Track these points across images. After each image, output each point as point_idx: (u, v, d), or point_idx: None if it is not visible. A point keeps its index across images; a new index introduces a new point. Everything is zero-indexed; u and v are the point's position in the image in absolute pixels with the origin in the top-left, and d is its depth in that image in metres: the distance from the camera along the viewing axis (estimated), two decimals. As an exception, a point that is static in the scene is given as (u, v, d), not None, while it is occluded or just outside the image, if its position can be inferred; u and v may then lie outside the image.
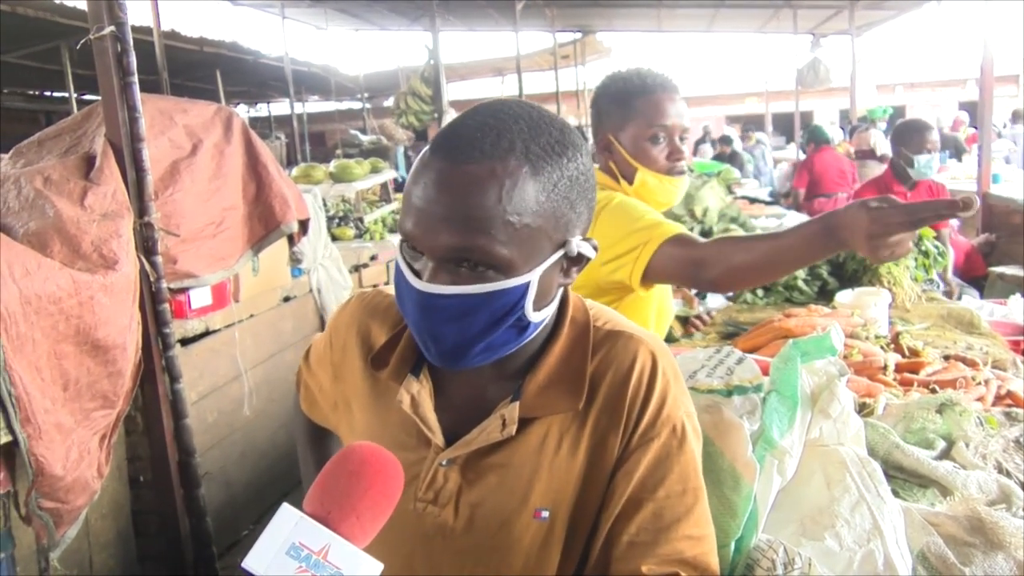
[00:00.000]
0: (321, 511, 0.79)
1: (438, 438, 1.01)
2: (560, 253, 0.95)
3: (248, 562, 0.75)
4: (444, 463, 1.01)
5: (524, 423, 0.99)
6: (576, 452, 0.99)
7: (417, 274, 0.91)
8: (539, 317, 0.97)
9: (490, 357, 0.96)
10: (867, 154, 7.76)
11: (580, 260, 0.99)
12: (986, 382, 1.86)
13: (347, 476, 0.82)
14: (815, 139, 8.11)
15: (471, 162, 0.87)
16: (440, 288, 0.89)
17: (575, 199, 0.94)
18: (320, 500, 0.80)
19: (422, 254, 0.91)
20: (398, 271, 0.95)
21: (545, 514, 0.99)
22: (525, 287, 0.92)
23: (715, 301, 3.06)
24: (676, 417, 1.00)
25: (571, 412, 0.99)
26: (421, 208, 0.89)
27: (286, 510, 0.78)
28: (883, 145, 7.76)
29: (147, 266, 2.68)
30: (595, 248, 0.99)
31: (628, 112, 1.89)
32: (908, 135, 3.97)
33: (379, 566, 0.78)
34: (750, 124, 14.57)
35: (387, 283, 4.24)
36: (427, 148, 0.93)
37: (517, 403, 0.98)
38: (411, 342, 1.05)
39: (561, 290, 1.03)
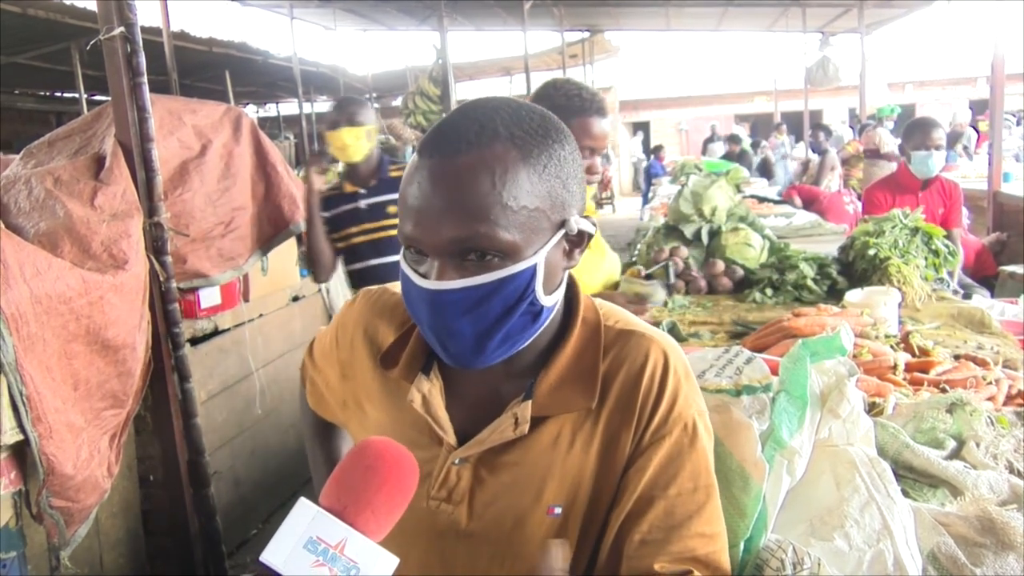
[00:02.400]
0: (338, 505, 0.79)
1: (450, 437, 1.01)
2: (561, 233, 0.95)
3: (266, 556, 0.76)
4: (457, 462, 1.01)
5: (536, 421, 0.99)
6: (589, 450, 0.99)
7: (423, 277, 0.92)
8: (551, 301, 0.97)
9: (509, 350, 0.96)
10: (875, 153, 7.74)
11: (581, 240, 0.99)
12: (997, 382, 1.85)
13: (363, 471, 0.82)
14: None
15: (459, 154, 0.88)
16: (450, 283, 0.89)
17: (567, 178, 0.95)
18: (336, 494, 0.80)
19: (425, 256, 0.92)
20: (404, 278, 0.95)
21: (558, 510, 0.99)
22: (533, 269, 0.92)
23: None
24: (687, 415, 1.00)
25: (583, 410, 0.99)
26: (418, 207, 0.89)
27: (303, 504, 0.78)
28: (889, 144, 7.73)
29: (157, 266, 2.69)
30: (594, 224, 1.00)
31: None
32: (911, 132, 3.97)
33: (395, 560, 0.79)
34: (779, 123, 14.50)
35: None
36: (415, 152, 0.93)
37: (529, 402, 0.99)
38: (421, 340, 1.05)
39: (567, 276, 1.03)
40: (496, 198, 0.88)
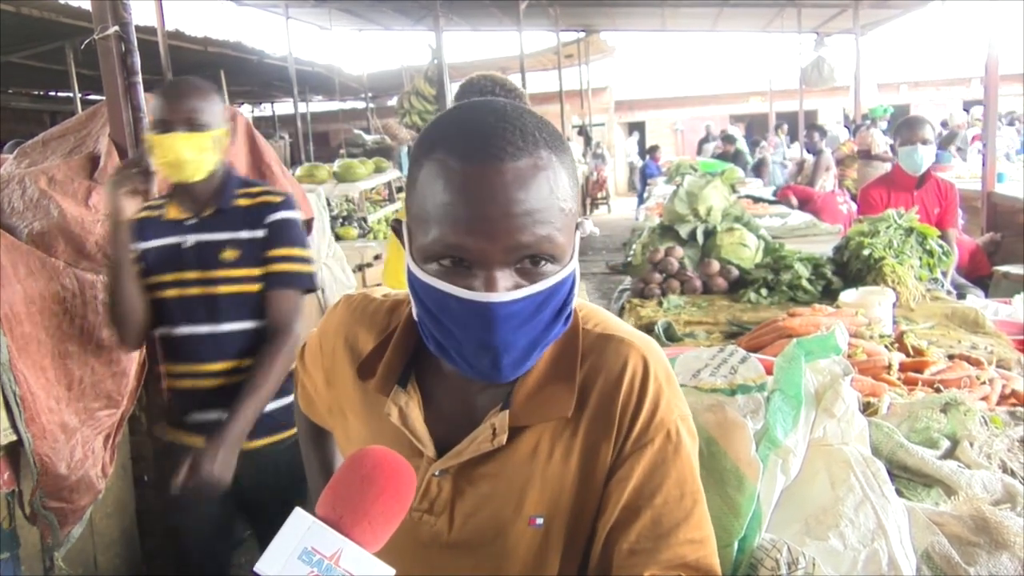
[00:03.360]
0: (333, 515, 0.78)
1: (429, 450, 1.00)
2: (578, 235, 0.96)
3: (260, 566, 0.75)
4: (437, 473, 1.00)
5: (516, 431, 0.97)
6: (569, 459, 0.98)
7: (469, 290, 0.86)
8: (575, 303, 0.97)
9: (539, 356, 0.95)
10: (869, 154, 7.76)
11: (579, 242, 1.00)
12: (991, 381, 1.86)
13: (359, 480, 0.81)
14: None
15: (514, 159, 0.85)
16: (512, 294, 0.86)
17: (578, 181, 0.96)
18: (332, 504, 0.79)
19: (467, 267, 0.86)
20: (439, 296, 0.88)
21: (540, 521, 0.98)
22: (574, 273, 0.92)
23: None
24: (670, 421, 0.98)
25: (562, 419, 0.98)
26: (471, 216, 0.84)
27: (298, 514, 0.77)
28: (882, 144, 7.76)
29: (151, 266, 2.69)
30: (595, 225, 1.00)
31: None
32: (899, 129, 4.04)
33: (391, 571, 0.78)
34: (779, 124, 14.58)
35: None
36: (439, 155, 0.87)
37: (506, 412, 0.97)
38: (398, 351, 1.03)
39: None
40: (554, 201, 0.87)
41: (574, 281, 0.92)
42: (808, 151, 10.93)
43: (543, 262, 0.87)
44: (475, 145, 0.86)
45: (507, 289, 0.86)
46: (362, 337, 1.10)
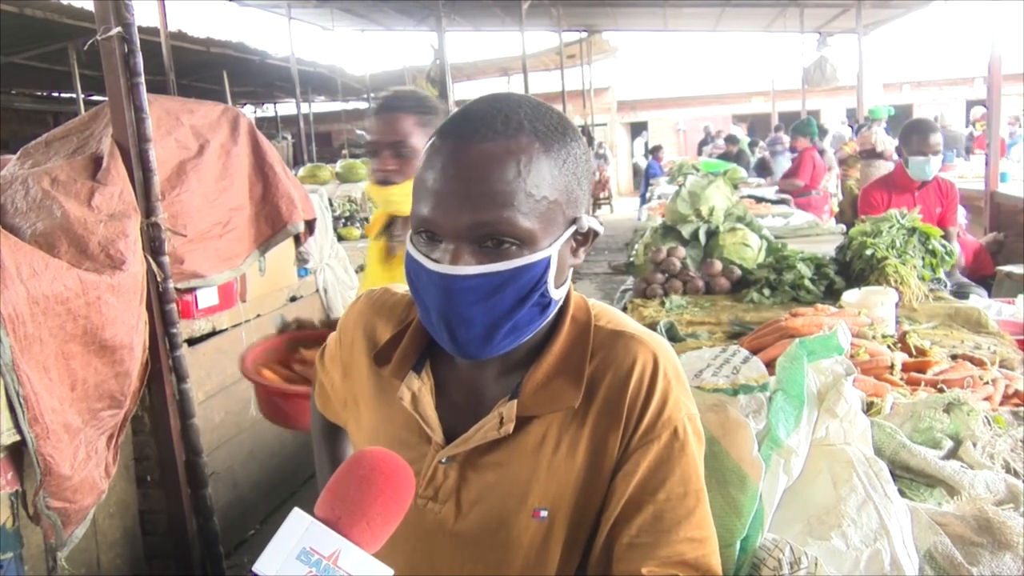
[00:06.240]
0: (332, 516, 0.79)
1: (438, 435, 1.02)
2: (572, 229, 0.97)
3: (258, 566, 0.75)
4: (444, 460, 1.01)
5: (523, 422, 0.99)
6: (575, 452, 0.99)
7: (436, 262, 0.92)
8: (559, 295, 0.98)
9: (514, 341, 0.96)
10: (871, 153, 7.75)
11: (587, 238, 1.01)
12: (994, 381, 1.86)
13: (358, 481, 0.81)
14: (807, 134, 8.17)
15: (486, 141, 0.89)
16: (468, 269, 0.90)
17: (580, 176, 0.97)
18: (331, 505, 0.80)
19: (439, 241, 0.92)
20: (413, 264, 0.94)
21: (544, 514, 0.99)
22: (547, 261, 0.93)
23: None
24: (677, 419, 0.99)
25: (569, 411, 0.99)
26: (439, 190, 0.90)
27: (297, 514, 0.78)
28: (885, 143, 7.77)
29: (154, 266, 2.69)
30: (601, 224, 1.01)
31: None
32: (909, 135, 3.99)
33: (389, 572, 0.78)
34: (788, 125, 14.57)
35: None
36: (435, 135, 0.94)
37: (515, 401, 0.99)
38: (414, 339, 1.05)
39: (571, 272, 1.04)
40: (520, 185, 0.89)
41: (546, 269, 0.93)
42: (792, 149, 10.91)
43: (506, 244, 0.90)
44: (456, 127, 0.92)
45: (466, 264, 0.90)
46: (380, 328, 1.13)
